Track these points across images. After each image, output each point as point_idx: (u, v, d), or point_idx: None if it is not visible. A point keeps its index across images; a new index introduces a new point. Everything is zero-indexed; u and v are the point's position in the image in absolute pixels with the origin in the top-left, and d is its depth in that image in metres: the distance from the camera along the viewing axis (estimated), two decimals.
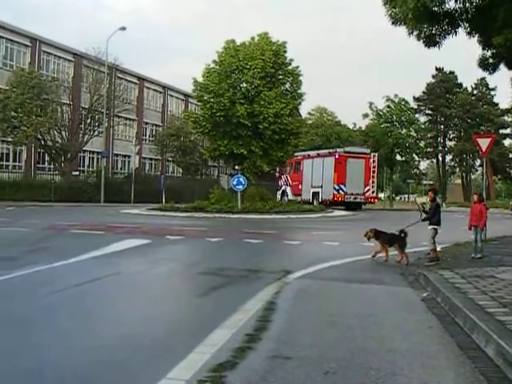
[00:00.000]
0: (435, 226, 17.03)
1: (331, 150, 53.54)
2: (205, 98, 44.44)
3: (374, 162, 51.19)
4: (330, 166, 51.15)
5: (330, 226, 30.62)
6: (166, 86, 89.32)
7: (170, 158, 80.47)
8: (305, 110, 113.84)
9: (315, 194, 53.03)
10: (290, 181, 56.88)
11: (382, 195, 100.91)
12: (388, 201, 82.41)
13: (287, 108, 44.41)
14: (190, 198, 52.97)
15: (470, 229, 17.66)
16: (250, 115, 43.63)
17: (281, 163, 49.52)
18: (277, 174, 60.53)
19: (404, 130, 75.43)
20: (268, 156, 45.11)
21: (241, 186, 40.50)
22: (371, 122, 77.41)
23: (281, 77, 45.74)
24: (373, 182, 51.17)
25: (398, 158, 77.78)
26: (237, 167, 46.06)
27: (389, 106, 76.03)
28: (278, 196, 57.48)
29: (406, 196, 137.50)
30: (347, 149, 52.53)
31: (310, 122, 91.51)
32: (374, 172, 51.23)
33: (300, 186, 55.44)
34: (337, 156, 51.08)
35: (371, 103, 76.97)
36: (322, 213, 43.99)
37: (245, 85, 44.65)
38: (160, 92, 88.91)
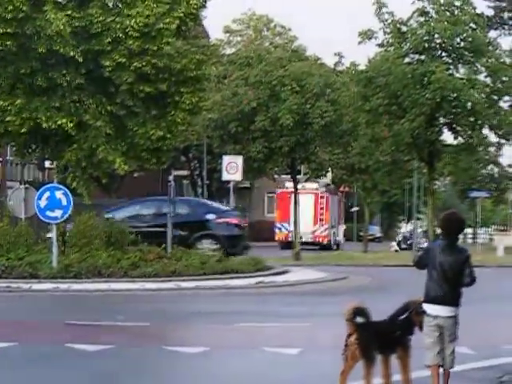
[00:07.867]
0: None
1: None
2: None
3: (322, 197, 54.66)
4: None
5: (281, 309, 19.49)
6: None
7: None
8: (218, 23, 70.75)
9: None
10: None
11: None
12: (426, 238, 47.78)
13: (172, 16, 24.23)
14: None
15: None
16: (78, 35, 24.32)
17: (164, 154, 26.47)
18: (170, 183, 27.08)
19: (463, 71, 38.95)
20: (127, 137, 24.75)
21: (59, 213, 23.31)
22: (382, 53, 38.44)
23: None
24: (321, 220, 54.86)
25: (448, 138, 39.98)
26: (49, 165, 29.81)
27: (423, 14, 38.08)
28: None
29: (472, 230, 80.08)
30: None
31: (229, 50, 58.01)
32: (322, 209, 55.09)
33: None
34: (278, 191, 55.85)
35: (381, 5, 38.13)
36: (262, 275, 25.39)
37: None
38: None
